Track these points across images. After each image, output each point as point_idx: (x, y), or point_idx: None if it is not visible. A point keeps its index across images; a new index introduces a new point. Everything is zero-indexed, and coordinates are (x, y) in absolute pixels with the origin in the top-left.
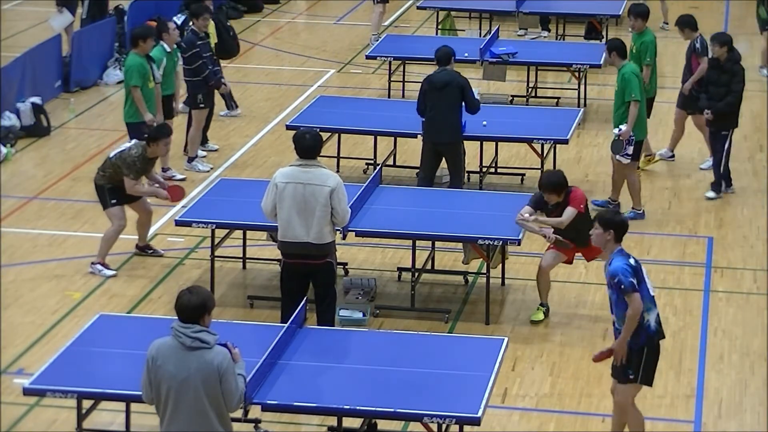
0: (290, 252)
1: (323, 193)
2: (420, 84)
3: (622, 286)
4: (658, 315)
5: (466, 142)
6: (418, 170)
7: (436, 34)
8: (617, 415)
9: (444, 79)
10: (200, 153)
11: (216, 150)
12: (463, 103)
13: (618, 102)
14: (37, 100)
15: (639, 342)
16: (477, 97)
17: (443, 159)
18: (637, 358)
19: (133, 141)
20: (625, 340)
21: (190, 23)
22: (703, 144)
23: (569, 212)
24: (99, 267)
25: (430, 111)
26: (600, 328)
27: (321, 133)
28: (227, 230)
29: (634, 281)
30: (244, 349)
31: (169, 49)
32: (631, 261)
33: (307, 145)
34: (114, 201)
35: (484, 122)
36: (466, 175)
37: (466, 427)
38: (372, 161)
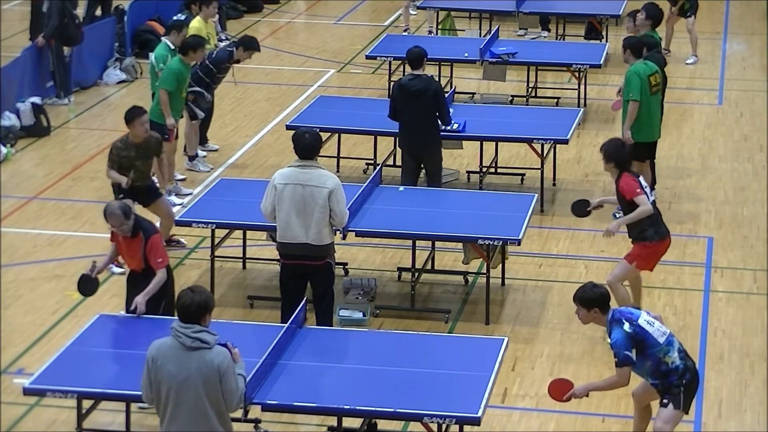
0: (289, 253)
1: (322, 195)
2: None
3: (615, 360)
4: (679, 349)
5: (465, 142)
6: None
7: (436, 33)
8: (639, 419)
9: (418, 87)
10: (200, 153)
11: (216, 150)
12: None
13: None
14: (37, 100)
15: (673, 383)
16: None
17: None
18: (675, 390)
19: None
20: (594, 388)
21: (234, 48)
22: (703, 144)
23: (640, 201)
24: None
25: (403, 119)
26: (600, 329)
27: (321, 133)
28: (227, 230)
29: (630, 352)
30: (244, 349)
31: (173, 47)
32: (626, 328)
33: (307, 144)
34: (121, 196)
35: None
36: (467, 175)
37: (466, 427)
38: (372, 161)
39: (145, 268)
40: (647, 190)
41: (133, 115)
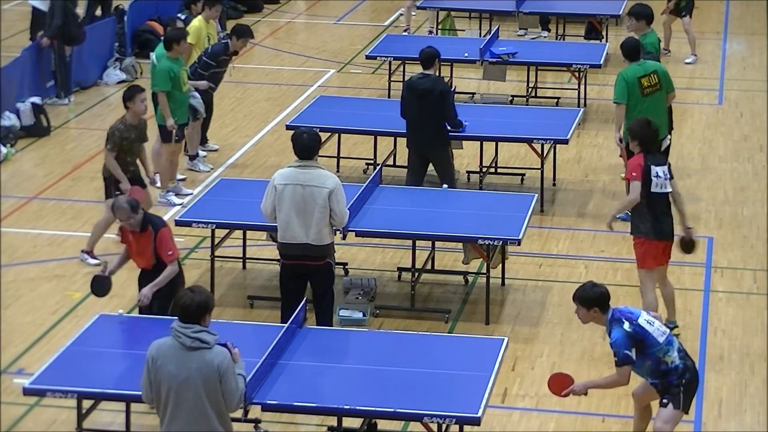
0: (289, 253)
1: (322, 195)
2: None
3: (615, 359)
4: (679, 348)
5: (465, 142)
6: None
7: (436, 33)
8: (639, 419)
9: (425, 87)
10: (200, 153)
11: (216, 150)
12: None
13: None
14: (37, 100)
15: (673, 383)
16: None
17: (430, 163)
18: (675, 390)
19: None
20: (594, 386)
21: (228, 39)
22: (703, 144)
23: (631, 186)
24: (85, 255)
25: (410, 117)
26: (600, 328)
27: (321, 133)
28: (227, 230)
29: (630, 352)
30: (244, 349)
31: None
32: (626, 327)
33: (305, 144)
34: (117, 193)
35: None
36: (467, 175)
37: (466, 427)
38: (372, 161)
39: (156, 264)
40: (661, 182)
41: (133, 92)
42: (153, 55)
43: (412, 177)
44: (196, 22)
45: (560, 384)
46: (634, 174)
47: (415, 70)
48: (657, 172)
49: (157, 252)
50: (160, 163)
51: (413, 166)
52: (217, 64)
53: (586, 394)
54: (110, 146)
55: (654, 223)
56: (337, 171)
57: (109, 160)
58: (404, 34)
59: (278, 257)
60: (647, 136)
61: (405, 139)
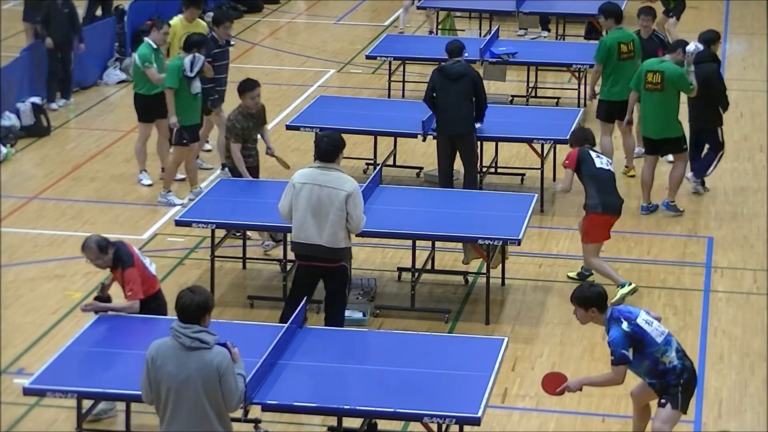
0: (302, 253)
1: (339, 197)
2: (428, 77)
3: (612, 358)
4: (677, 348)
5: None
6: (418, 171)
7: (436, 33)
8: (639, 419)
9: (459, 71)
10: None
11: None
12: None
13: None
14: (37, 100)
15: (671, 382)
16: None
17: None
18: (673, 390)
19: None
20: (589, 383)
21: (211, 33)
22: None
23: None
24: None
25: (442, 102)
26: (600, 328)
27: (321, 133)
28: (227, 230)
29: (627, 351)
30: (244, 349)
31: (155, 47)
32: (625, 326)
33: (323, 148)
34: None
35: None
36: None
37: (466, 427)
38: (372, 161)
39: (143, 299)
40: (604, 161)
41: (246, 86)
42: (135, 56)
43: (444, 166)
44: (176, 20)
45: (553, 382)
46: (567, 162)
47: (415, 70)
48: (597, 153)
49: (123, 288)
50: (166, 161)
51: (443, 155)
52: (213, 58)
53: (581, 389)
54: (234, 139)
55: (600, 196)
56: None
57: (234, 152)
58: (398, 34)
59: (279, 257)
60: (573, 137)
61: (413, 139)
